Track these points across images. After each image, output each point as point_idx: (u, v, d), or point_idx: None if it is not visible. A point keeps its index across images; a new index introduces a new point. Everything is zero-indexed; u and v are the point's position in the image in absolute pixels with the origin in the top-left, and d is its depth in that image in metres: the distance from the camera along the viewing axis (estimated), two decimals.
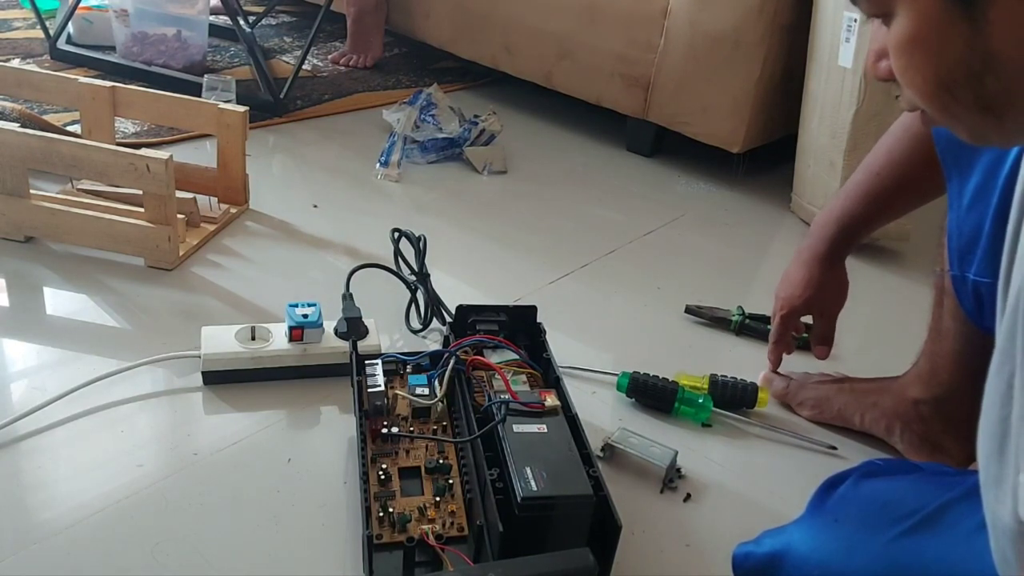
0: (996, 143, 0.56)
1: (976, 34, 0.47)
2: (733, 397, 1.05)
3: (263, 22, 2.25)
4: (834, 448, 1.01)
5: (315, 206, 1.44)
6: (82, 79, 1.34)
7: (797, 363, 1.11)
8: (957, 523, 0.65)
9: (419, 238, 1.19)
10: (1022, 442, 0.50)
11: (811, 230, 1.04)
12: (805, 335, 1.10)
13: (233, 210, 1.35)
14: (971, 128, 0.53)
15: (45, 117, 1.45)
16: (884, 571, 0.67)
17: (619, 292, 1.32)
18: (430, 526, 0.80)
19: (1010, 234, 0.58)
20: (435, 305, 1.14)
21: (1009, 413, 0.51)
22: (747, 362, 1.12)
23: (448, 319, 1.09)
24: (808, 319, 1.08)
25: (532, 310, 1.02)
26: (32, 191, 1.19)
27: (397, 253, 1.19)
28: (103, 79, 1.37)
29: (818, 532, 0.73)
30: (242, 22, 1.83)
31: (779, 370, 1.10)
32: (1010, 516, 0.50)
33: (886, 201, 0.97)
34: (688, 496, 0.92)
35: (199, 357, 0.99)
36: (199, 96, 1.49)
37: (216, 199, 1.33)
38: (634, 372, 1.05)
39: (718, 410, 1.03)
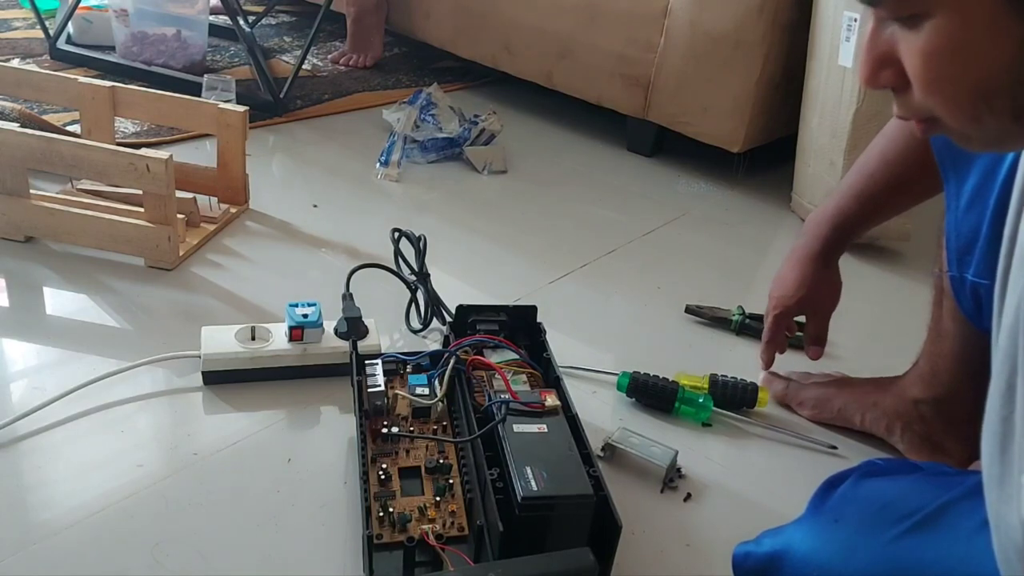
0: (1008, 150, 0.55)
1: None
2: (733, 397, 1.05)
3: (263, 22, 2.25)
4: (834, 448, 1.01)
5: (315, 206, 1.44)
6: (82, 79, 1.34)
7: (795, 363, 1.11)
8: (957, 523, 0.65)
9: (419, 238, 1.19)
10: None
11: (804, 229, 1.03)
12: (799, 334, 1.10)
13: (233, 210, 1.35)
14: (991, 137, 0.50)
15: (45, 117, 1.45)
16: (884, 571, 0.67)
17: (619, 292, 1.32)
18: (430, 526, 0.80)
19: (1007, 235, 0.58)
20: (435, 305, 1.14)
21: (1010, 413, 0.51)
22: (747, 362, 1.12)
23: (448, 319, 1.09)
24: (801, 319, 1.08)
25: (532, 310, 1.02)
26: (32, 191, 1.19)
27: (397, 253, 1.19)
28: (103, 79, 1.37)
29: (818, 532, 0.73)
30: (242, 22, 1.83)
31: (779, 371, 1.10)
32: (1013, 517, 0.50)
33: (880, 201, 0.96)
34: (688, 496, 0.92)
35: (199, 357, 0.99)
36: (199, 96, 1.49)
37: (216, 199, 1.33)
38: (634, 372, 1.05)
39: (718, 410, 1.03)
